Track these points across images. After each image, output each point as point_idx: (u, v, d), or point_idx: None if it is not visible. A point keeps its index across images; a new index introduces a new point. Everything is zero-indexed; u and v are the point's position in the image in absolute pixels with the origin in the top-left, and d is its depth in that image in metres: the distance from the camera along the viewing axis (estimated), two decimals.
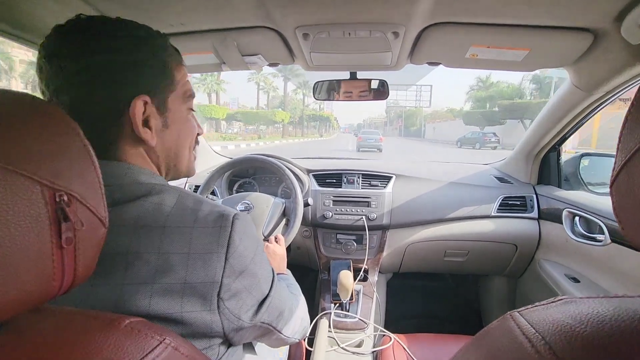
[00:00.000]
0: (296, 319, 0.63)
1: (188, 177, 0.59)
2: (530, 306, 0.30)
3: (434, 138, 44.42)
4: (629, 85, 0.92)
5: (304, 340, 1.00)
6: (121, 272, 0.40)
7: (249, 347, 0.70)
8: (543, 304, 0.29)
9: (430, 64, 1.01)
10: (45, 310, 0.32)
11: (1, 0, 0.64)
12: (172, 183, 0.53)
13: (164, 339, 0.34)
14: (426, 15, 0.75)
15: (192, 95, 0.55)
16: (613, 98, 1.01)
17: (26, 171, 0.26)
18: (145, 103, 0.47)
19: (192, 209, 0.46)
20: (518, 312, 0.30)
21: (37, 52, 0.47)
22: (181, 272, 0.42)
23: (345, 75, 1.16)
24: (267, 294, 0.53)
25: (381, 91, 1.19)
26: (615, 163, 0.28)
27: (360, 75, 1.16)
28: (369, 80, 1.17)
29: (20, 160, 0.26)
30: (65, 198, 0.28)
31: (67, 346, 0.29)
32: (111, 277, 0.40)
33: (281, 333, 0.59)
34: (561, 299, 0.29)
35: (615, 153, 0.27)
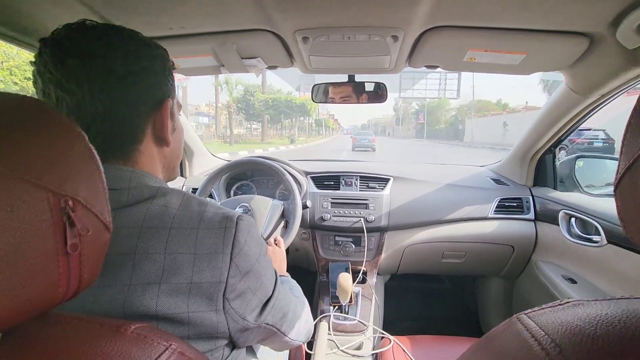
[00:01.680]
0: (300, 321, 0.63)
1: (173, 179, 0.61)
2: (537, 308, 0.30)
3: (486, 141, 26.03)
4: (624, 89, 0.93)
5: (304, 343, 1.00)
6: (128, 273, 0.41)
7: (251, 350, 0.70)
8: (550, 307, 0.30)
9: (429, 67, 1.02)
10: (51, 317, 0.32)
11: (2, 3, 0.63)
12: (171, 185, 0.54)
13: (170, 345, 0.34)
14: (425, 20, 0.76)
15: (181, 105, 0.60)
16: (608, 102, 1.03)
17: (31, 177, 0.26)
18: (170, 106, 0.51)
19: (197, 210, 0.47)
20: (525, 314, 0.30)
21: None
22: (188, 272, 0.42)
23: (344, 78, 1.17)
24: (271, 295, 0.53)
25: (379, 94, 1.20)
26: (618, 166, 0.28)
27: (359, 78, 1.17)
28: (368, 83, 1.18)
29: (25, 167, 0.26)
30: (71, 203, 0.28)
31: (73, 354, 0.29)
32: (119, 278, 0.40)
33: (285, 335, 0.59)
34: (569, 302, 0.29)
35: (609, 155, 0.28)
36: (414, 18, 0.75)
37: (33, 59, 0.45)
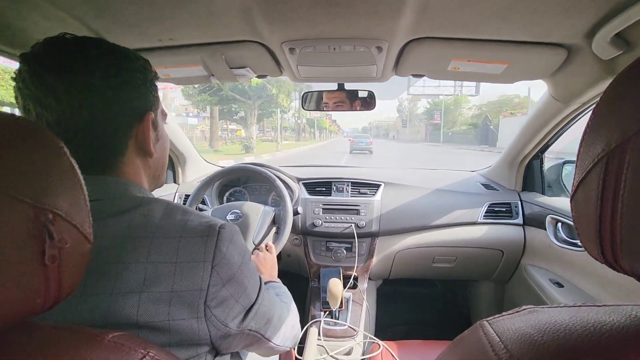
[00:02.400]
0: (286, 327, 0.64)
1: (159, 187, 0.62)
2: (498, 315, 0.32)
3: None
4: None
5: (294, 348, 1.01)
6: (111, 282, 0.41)
7: (236, 356, 0.71)
8: (509, 314, 0.31)
9: (415, 75, 1.04)
10: (30, 325, 0.33)
11: None
12: (161, 194, 0.55)
13: (148, 352, 0.35)
14: (408, 31, 0.78)
15: (166, 114, 0.60)
16: (590, 109, 1.05)
17: (11, 191, 0.27)
18: (152, 118, 0.52)
19: (180, 219, 0.47)
20: (487, 321, 0.32)
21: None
22: (169, 281, 0.43)
23: (334, 86, 1.19)
24: (254, 302, 0.54)
25: (368, 102, 1.22)
26: (574, 179, 0.30)
27: (348, 86, 1.19)
28: (356, 91, 1.20)
29: (5, 181, 0.27)
30: (50, 216, 0.29)
31: None
32: (101, 288, 0.41)
33: (270, 341, 0.59)
34: (525, 309, 0.31)
35: None
36: (397, 30, 0.77)
37: (14, 76, 0.45)
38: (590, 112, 0.28)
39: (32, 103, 0.44)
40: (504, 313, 0.32)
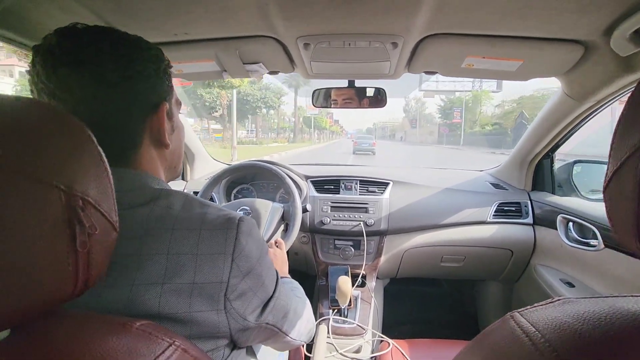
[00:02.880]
0: (302, 321, 0.64)
1: (176, 178, 0.62)
2: (529, 307, 0.32)
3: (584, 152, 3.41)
4: (619, 96, 0.95)
5: (303, 346, 1.00)
6: (132, 273, 0.41)
7: (250, 351, 0.71)
8: (542, 305, 0.31)
9: (428, 72, 1.04)
10: (58, 313, 0.33)
11: (9, 9, 0.65)
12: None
13: (174, 341, 0.35)
14: (424, 27, 0.78)
15: (181, 103, 0.59)
16: (604, 107, 1.05)
17: (45, 178, 0.27)
18: (166, 108, 0.51)
19: (199, 212, 0.47)
20: (518, 312, 0.31)
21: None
22: (190, 273, 0.43)
23: (344, 83, 1.19)
24: (272, 295, 0.54)
25: (379, 99, 1.22)
26: (607, 169, 0.29)
27: (358, 83, 1.18)
28: (366, 88, 1.20)
29: (39, 168, 0.27)
30: (81, 203, 0.29)
31: (82, 349, 0.30)
32: (123, 279, 0.41)
33: (287, 335, 0.59)
34: (559, 299, 0.30)
35: (606, 161, 0.29)
36: (413, 26, 0.76)
37: (27, 68, 0.45)
38: (625, 101, 0.28)
39: (46, 96, 0.44)
40: (535, 305, 0.32)
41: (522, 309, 0.32)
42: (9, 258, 0.25)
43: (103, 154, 0.33)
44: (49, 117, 0.30)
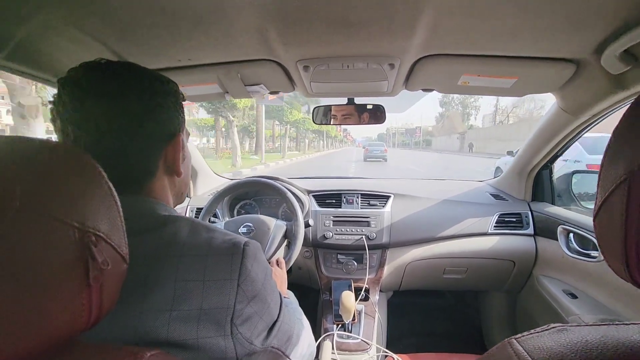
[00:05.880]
0: (303, 344, 0.64)
1: (181, 203, 0.64)
2: (526, 333, 0.33)
3: None
4: (613, 110, 0.97)
5: None
6: (140, 300, 0.42)
7: None
8: (538, 332, 0.32)
9: (425, 90, 1.06)
10: (72, 345, 0.34)
11: (21, 43, 0.67)
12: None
13: None
14: (419, 49, 0.80)
15: (189, 133, 0.62)
16: (599, 121, 1.06)
17: (60, 215, 0.28)
18: (181, 139, 0.54)
19: (206, 237, 0.48)
20: (515, 339, 0.33)
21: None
22: (197, 299, 0.44)
23: (343, 100, 1.21)
24: (277, 319, 0.54)
25: (378, 115, 1.24)
26: (596, 199, 0.31)
27: (358, 100, 1.21)
28: (365, 105, 1.22)
29: (54, 206, 0.28)
30: (93, 238, 0.30)
31: None
32: (131, 305, 0.42)
33: (289, 358, 0.60)
34: (554, 327, 0.32)
35: None
36: (409, 48, 0.79)
37: (52, 99, 0.48)
38: (610, 135, 0.29)
39: (70, 126, 0.46)
40: (531, 331, 0.33)
41: (519, 335, 0.33)
42: (26, 295, 0.26)
43: (113, 189, 0.34)
44: (65, 157, 0.32)
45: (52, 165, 0.31)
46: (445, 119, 51.80)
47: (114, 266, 0.33)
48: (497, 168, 7.16)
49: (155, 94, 0.49)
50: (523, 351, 0.30)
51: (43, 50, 0.72)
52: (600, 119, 1.05)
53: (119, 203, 0.35)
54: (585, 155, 4.80)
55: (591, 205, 1.30)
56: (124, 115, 0.47)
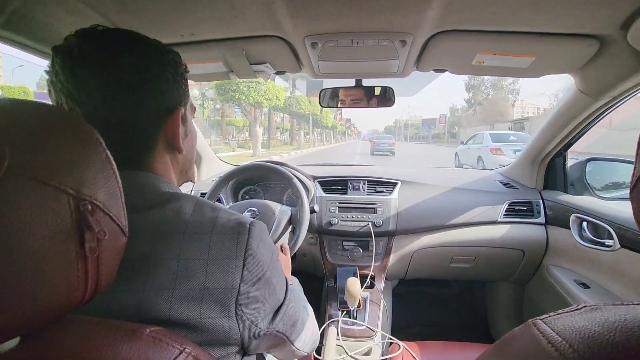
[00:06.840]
0: (307, 331, 0.63)
1: (188, 182, 0.62)
2: (552, 314, 0.30)
3: None
4: (635, 91, 0.92)
5: (309, 354, 1.00)
6: (142, 278, 0.41)
7: (261, 357, 0.70)
8: (567, 312, 0.29)
9: (437, 71, 1.02)
10: (68, 320, 0.32)
11: (17, 11, 0.65)
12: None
13: (185, 348, 0.34)
14: (433, 24, 0.76)
15: (195, 108, 0.59)
16: (620, 103, 1.02)
17: (54, 181, 0.26)
18: (182, 113, 0.51)
19: (210, 216, 0.46)
20: (541, 319, 0.30)
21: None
22: (200, 278, 0.42)
23: (351, 82, 1.17)
24: (282, 302, 0.53)
25: (387, 98, 1.20)
26: (634, 170, 0.28)
27: (366, 82, 1.17)
28: (374, 88, 1.18)
29: (48, 171, 0.26)
30: (89, 207, 0.28)
31: (90, 357, 0.29)
32: (132, 283, 0.40)
33: (292, 344, 0.58)
34: (585, 306, 0.29)
35: (621, 158, 0.28)
36: (423, 23, 0.75)
37: (47, 68, 0.45)
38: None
39: (64, 97, 0.44)
40: (559, 311, 0.30)
41: (544, 316, 0.30)
42: (18, 264, 0.24)
43: (111, 158, 0.32)
44: (59, 121, 0.30)
45: (47, 128, 0.29)
46: (477, 105, 41.95)
47: (111, 238, 0.31)
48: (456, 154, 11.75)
49: (152, 65, 0.47)
50: (551, 331, 0.27)
51: (40, 20, 0.70)
52: (622, 101, 1.00)
53: (117, 173, 0.33)
54: (490, 143, 8.42)
55: (607, 194, 1.27)
56: (118, 86, 0.44)
